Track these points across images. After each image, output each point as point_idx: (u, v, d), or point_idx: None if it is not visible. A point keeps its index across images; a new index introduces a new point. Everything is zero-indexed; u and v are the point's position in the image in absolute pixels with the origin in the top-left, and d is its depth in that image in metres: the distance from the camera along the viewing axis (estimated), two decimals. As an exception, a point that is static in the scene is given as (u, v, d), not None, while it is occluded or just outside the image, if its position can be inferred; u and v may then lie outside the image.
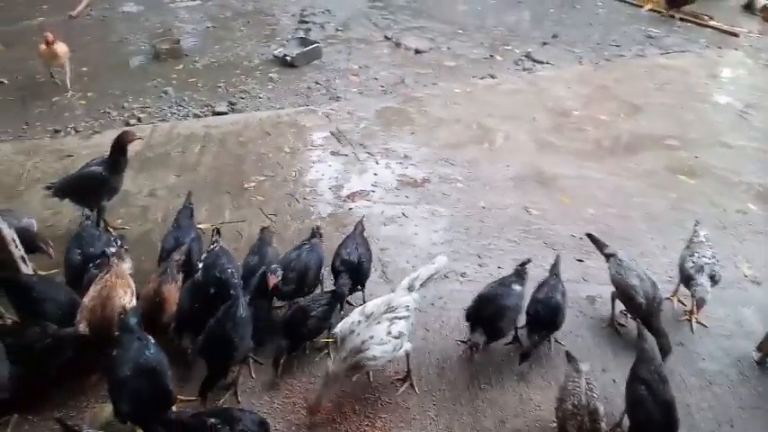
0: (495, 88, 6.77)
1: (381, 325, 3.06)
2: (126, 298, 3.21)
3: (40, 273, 3.79)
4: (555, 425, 3.02)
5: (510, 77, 7.12)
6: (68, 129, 5.78)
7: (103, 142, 5.37)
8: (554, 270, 3.66)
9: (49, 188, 4.22)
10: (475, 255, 4.26)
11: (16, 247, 3.42)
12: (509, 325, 3.42)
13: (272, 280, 3.33)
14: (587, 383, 2.85)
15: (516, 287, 3.49)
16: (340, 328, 3.11)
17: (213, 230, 3.81)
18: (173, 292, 3.35)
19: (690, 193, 5.03)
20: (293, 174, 5.22)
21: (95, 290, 3.20)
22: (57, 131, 5.77)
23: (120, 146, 4.16)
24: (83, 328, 3.07)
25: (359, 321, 3.08)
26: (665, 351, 3.25)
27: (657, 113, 6.32)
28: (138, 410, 2.75)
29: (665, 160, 5.49)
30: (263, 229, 3.99)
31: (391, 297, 3.21)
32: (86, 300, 3.17)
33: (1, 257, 3.38)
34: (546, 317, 3.37)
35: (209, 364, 3.11)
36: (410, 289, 3.26)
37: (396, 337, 3.09)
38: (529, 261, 3.66)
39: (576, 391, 2.80)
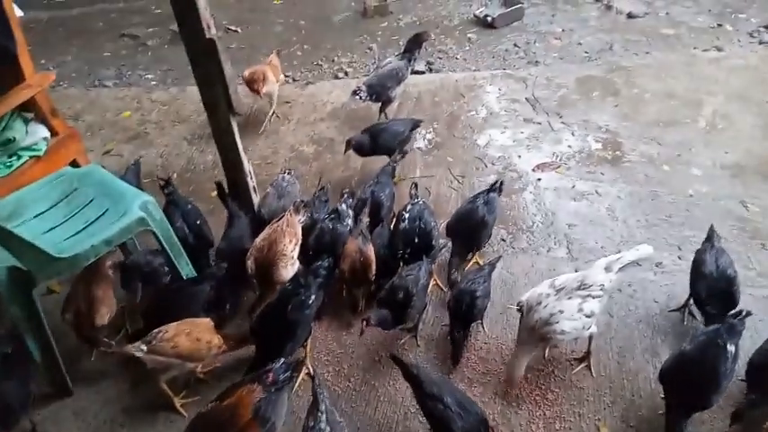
0: (721, 62, 5.95)
1: (573, 301, 3.01)
2: (290, 246, 3.53)
3: None
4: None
5: (740, 51, 6.19)
6: (287, 77, 6.42)
7: (316, 92, 5.91)
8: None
9: (356, 93, 4.91)
10: (675, 245, 3.93)
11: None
12: (716, 396, 2.75)
13: None
14: None
15: (730, 347, 2.72)
16: (527, 297, 3.14)
17: (412, 185, 4.05)
18: (371, 251, 3.63)
19: None
20: (484, 137, 5.24)
21: (267, 232, 3.60)
22: (276, 79, 6.47)
23: (418, 42, 5.36)
24: (250, 264, 3.49)
25: (548, 294, 3.07)
26: None
27: None
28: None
29: None
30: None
31: (585, 274, 3.12)
32: (258, 240, 3.59)
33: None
34: None
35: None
36: (607, 270, 3.13)
37: (587, 316, 3.03)
38: (749, 314, 2.85)
39: None
